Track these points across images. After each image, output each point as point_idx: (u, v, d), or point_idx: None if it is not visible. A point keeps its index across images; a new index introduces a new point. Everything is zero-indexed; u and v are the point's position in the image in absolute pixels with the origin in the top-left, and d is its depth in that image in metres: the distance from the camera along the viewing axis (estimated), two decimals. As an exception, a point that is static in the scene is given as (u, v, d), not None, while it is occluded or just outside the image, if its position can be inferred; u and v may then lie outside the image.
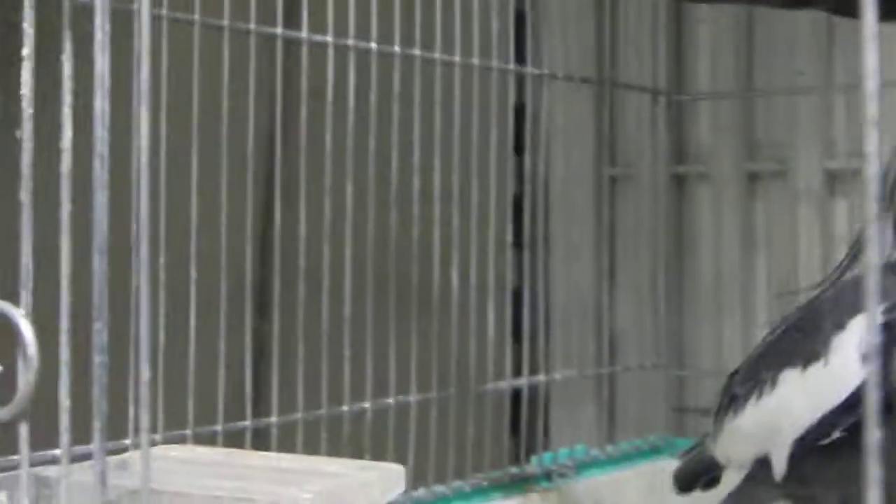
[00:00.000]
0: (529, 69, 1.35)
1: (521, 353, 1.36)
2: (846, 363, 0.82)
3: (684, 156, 1.53)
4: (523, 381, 1.35)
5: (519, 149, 1.38)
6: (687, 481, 1.03)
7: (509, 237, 1.34)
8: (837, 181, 1.44)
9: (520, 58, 1.35)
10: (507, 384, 1.34)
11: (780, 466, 0.86)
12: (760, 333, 1.48)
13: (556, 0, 1.49)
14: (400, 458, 1.17)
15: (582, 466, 1.40)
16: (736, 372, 0.97)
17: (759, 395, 0.88)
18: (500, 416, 1.36)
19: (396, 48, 1.19)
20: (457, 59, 1.25)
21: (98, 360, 0.60)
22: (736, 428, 0.91)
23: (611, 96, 1.49)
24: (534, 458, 1.37)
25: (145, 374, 0.59)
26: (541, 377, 1.38)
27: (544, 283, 1.38)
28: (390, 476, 0.83)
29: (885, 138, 1.34)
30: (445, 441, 1.26)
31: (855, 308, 0.83)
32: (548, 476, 1.36)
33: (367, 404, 1.17)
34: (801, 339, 0.86)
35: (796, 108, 1.45)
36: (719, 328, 1.50)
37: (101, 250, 0.59)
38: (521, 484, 1.33)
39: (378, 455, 1.14)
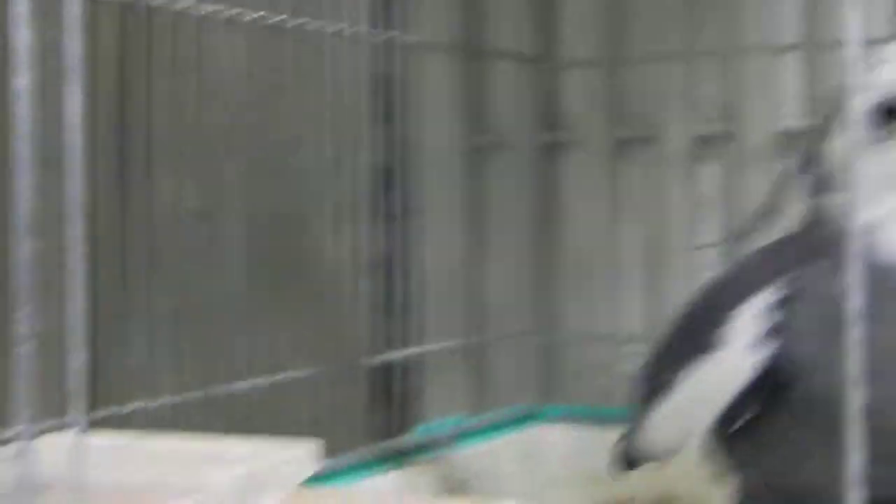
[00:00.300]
0: (397, 36, 1.33)
1: (394, 325, 1.35)
2: (737, 353, 0.81)
3: (554, 123, 1.54)
4: (397, 354, 1.34)
5: (388, 118, 1.37)
6: (628, 464, 1.01)
7: (380, 208, 1.33)
8: (705, 146, 1.46)
9: (388, 25, 1.33)
10: (382, 358, 1.33)
11: (701, 455, 0.86)
12: (630, 298, 1.50)
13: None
14: (281, 436, 1.16)
15: (459, 437, 1.40)
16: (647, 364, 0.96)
17: (668, 391, 0.86)
18: (375, 389, 1.35)
19: (264, 15, 1.16)
20: (324, 26, 1.23)
21: (24, 348, 0.57)
22: (652, 424, 0.90)
23: (480, 64, 1.48)
24: (411, 431, 1.37)
25: (78, 359, 0.57)
26: (414, 349, 1.37)
27: (416, 254, 1.38)
28: (304, 454, 0.81)
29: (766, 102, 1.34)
30: (325, 417, 1.24)
31: (745, 291, 0.82)
32: (426, 448, 1.36)
33: (259, 380, 1.15)
34: (698, 327, 0.85)
35: (664, 75, 1.46)
36: (590, 294, 1.52)
37: (28, 232, 0.56)
38: (400, 457, 1.32)
39: (260, 434, 1.12)
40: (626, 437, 0.98)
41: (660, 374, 0.89)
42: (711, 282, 0.90)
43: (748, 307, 0.81)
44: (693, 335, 0.85)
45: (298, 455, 0.81)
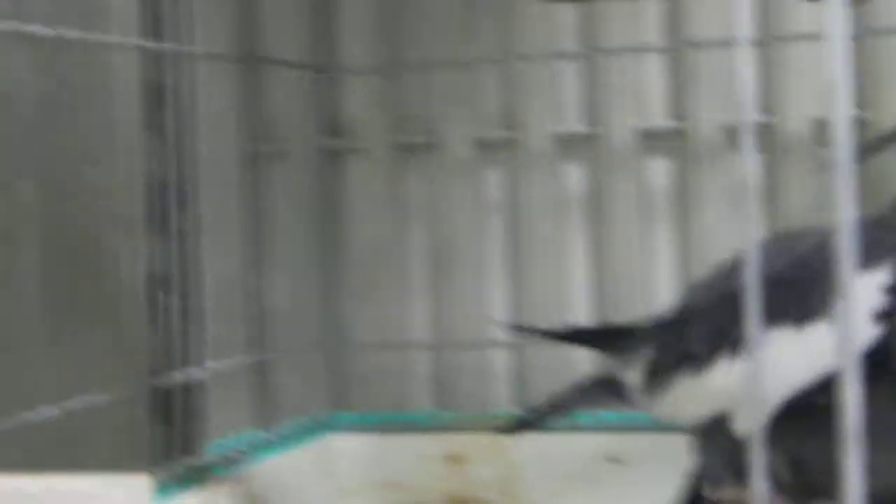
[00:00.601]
0: (168, 45, 1.30)
1: (178, 342, 1.32)
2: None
3: (336, 130, 1.52)
4: (183, 373, 1.31)
5: (167, 130, 1.33)
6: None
7: (161, 223, 1.29)
8: (488, 151, 1.48)
9: (166, 35, 1.30)
10: (169, 377, 1.29)
11: (750, 426, 0.80)
12: (418, 304, 1.50)
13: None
14: (79, 465, 1.12)
15: (252, 452, 1.37)
16: (675, 322, 0.90)
17: (735, 353, 0.82)
18: (163, 410, 1.32)
19: (47, 28, 1.11)
20: (108, 39, 1.19)
21: None
22: (699, 385, 0.84)
23: (258, 72, 1.46)
24: (203, 450, 1.34)
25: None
26: (201, 366, 1.34)
27: (196, 268, 1.34)
28: (137, 489, 0.79)
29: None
30: (113, 441, 1.21)
31: (858, 264, 0.75)
32: (220, 466, 1.33)
33: (49, 409, 1.10)
34: (790, 295, 0.79)
35: (445, 80, 1.47)
36: (377, 301, 1.51)
37: None
38: (195, 478, 1.29)
39: (57, 464, 1.08)
40: (662, 357, 0.91)
41: (717, 337, 0.84)
42: (807, 245, 0.83)
43: (863, 280, 0.77)
44: (780, 300, 0.78)
45: (132, 489, 0.78)
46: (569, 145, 1.45)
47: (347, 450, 1.47)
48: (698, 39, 1.40)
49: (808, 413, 0.78)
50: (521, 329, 1.27)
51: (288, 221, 1.49)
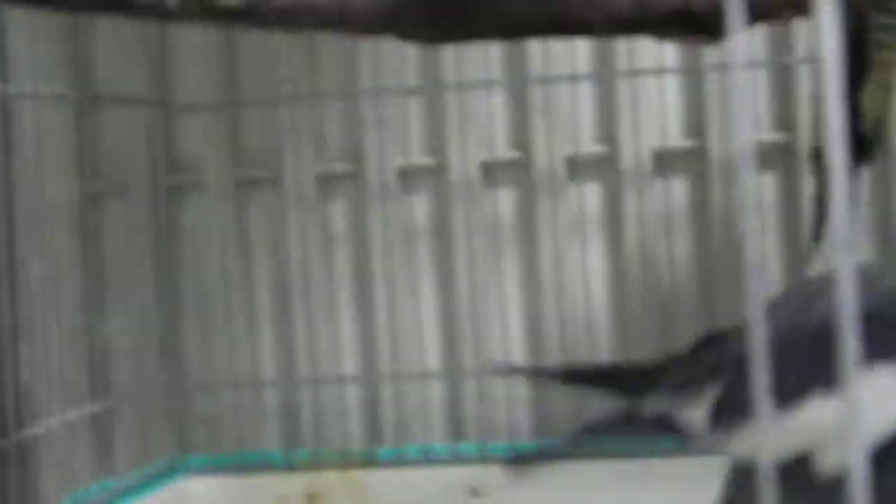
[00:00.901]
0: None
1: (27, 396, 1.26)
2: None
3: (176, 166, 1.49)
4: (27, 429, 1.25)
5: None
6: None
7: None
8: (333, 184, 1.47)
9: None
10: (19, 434, 1.24)
11: (837, 468, 0.77)
12: (264, 341, 1.48)
13: (22, 12, 1.39)
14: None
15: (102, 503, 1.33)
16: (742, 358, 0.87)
17: (829, 390, 0.79)
18: (5, 469, 1.26)
19: None
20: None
21: None
22: (785, 423, 0.81)
23: (94, 110, 1.42)
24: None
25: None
26: (44, 419, 1.29)
27: (28, 318, 1.29)
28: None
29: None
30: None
31: None
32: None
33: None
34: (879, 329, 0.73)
35: (286, 116, 1.46)
36: (223, 340, 1.48)
37: None
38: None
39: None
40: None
41: (804, 373, 0.81)
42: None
43: None
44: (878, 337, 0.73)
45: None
46: (413, 178, 1.46)
47: (199, 493, 1.44)
48: (541, 74, 1.43)
49: None
50: (538, 371, 1.17)
51: (128, 261, 1.45)
